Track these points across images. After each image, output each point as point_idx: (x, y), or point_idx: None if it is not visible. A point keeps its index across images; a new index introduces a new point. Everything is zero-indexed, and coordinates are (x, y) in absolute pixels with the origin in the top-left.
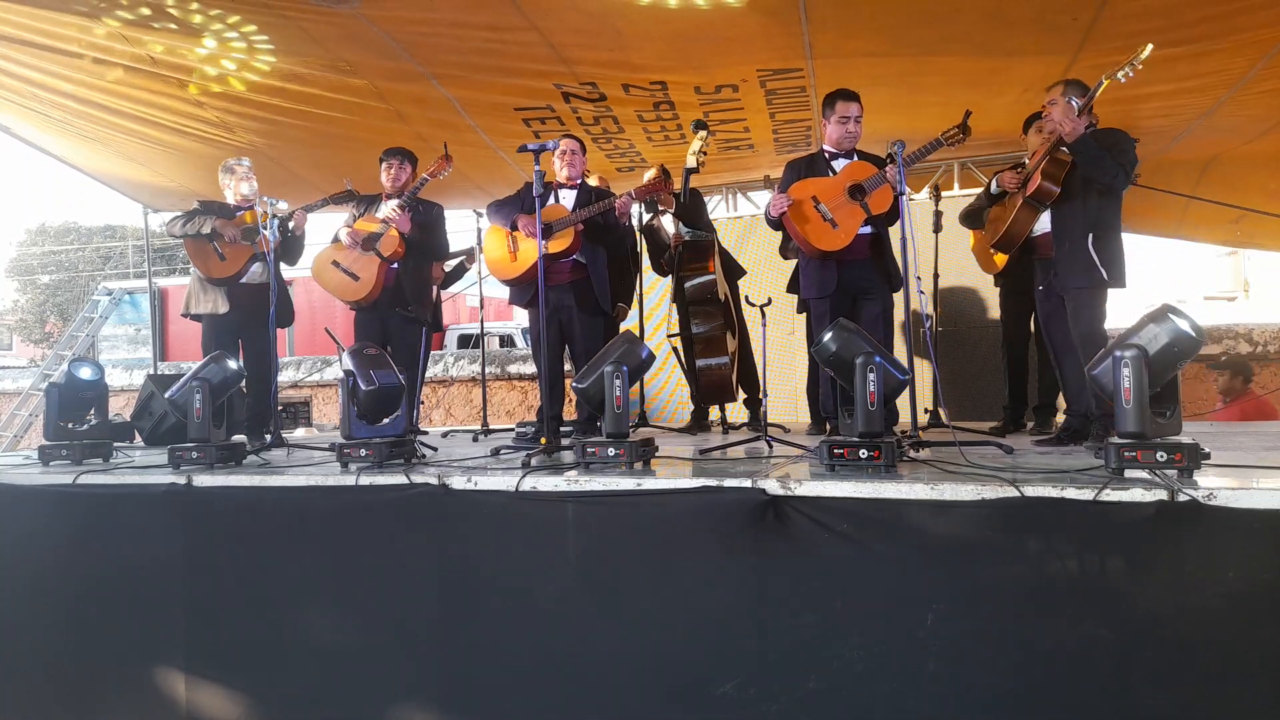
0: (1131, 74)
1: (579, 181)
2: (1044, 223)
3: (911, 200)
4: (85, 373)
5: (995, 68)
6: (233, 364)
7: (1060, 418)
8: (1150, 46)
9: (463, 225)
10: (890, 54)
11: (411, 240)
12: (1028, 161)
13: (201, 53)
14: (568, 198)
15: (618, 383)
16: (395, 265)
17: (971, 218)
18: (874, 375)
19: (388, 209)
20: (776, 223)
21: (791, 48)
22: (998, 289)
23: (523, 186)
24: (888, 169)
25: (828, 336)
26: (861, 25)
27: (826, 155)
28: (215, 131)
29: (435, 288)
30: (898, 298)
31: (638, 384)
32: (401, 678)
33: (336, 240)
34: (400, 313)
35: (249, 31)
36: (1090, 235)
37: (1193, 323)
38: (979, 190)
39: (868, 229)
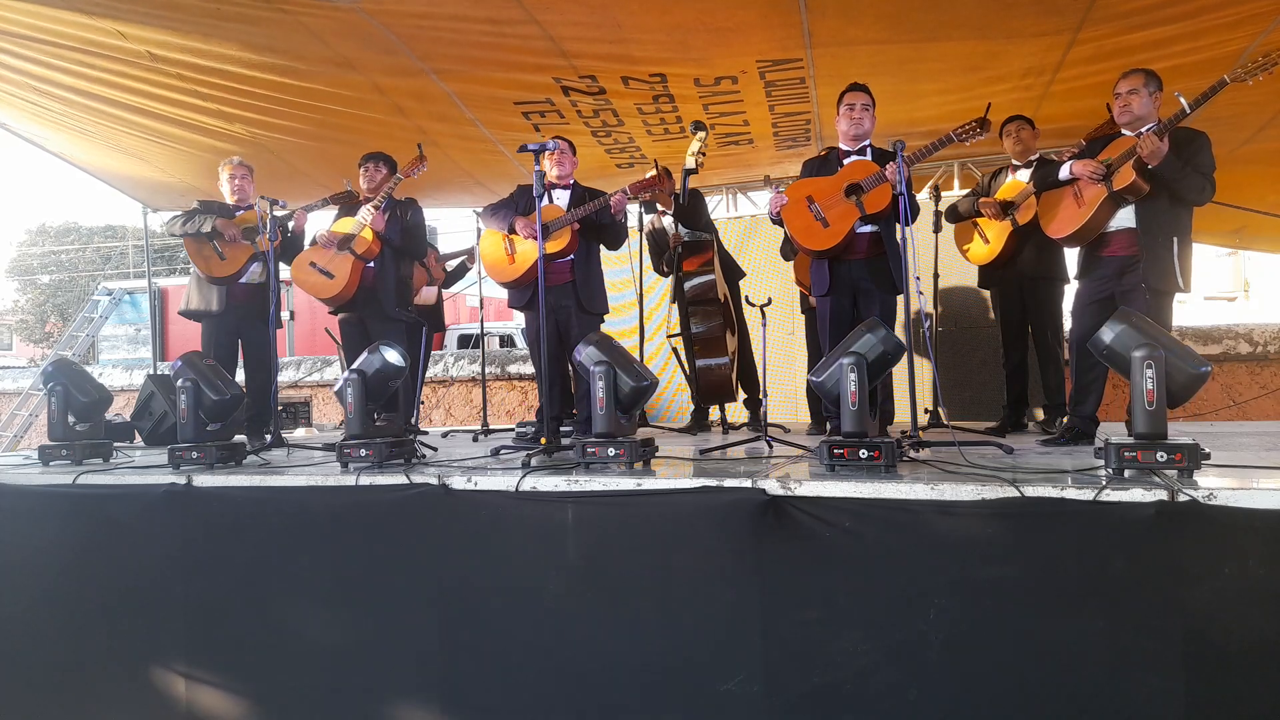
0: (1261, 77)
1: (572, 182)
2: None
3: None
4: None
5: (994, 51)
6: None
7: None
8: None
9: (463, 225)
10: (889, 41)
11: (389, 239)
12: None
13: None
14: (562, 197)
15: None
16: (371, 264)
17: (956, 214)
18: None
19: (364, 210)
20: (779, 219)
21: (790, 37)
22: (986, 291)
23: (515, 189)
24: (887, 168)
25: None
26: (861, 11)
27: (840, 153)
28: (214, 122)
29: (438, 288)
30: (898, 298)
31: None
32: (401, 678)
33: (314, 242)
34: (382, 313)
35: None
36: (1175, 240)
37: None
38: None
39: (868, 228)
